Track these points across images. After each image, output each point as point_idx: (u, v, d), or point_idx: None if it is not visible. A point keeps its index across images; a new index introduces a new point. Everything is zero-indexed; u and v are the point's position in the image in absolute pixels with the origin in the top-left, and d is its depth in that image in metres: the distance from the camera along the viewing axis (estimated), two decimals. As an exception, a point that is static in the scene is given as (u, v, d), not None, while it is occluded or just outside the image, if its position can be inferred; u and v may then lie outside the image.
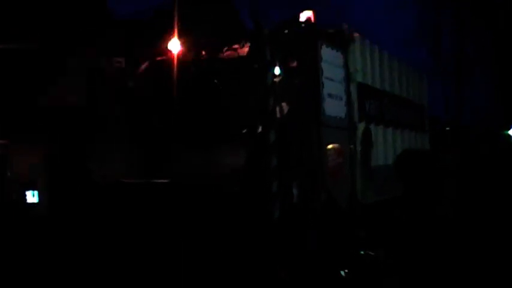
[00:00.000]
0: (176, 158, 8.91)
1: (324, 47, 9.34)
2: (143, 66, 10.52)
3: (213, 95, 9.23)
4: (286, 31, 9.11)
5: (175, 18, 10.28)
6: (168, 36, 10.05)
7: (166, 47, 9.97)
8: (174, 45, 9.72)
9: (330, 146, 9.03)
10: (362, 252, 8.75)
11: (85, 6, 12.91)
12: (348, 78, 9.88)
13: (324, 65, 9.24)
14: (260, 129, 8.44)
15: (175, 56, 9.56)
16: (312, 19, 9.05)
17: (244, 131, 8.58)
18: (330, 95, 9.32)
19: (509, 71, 28.21)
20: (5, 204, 13.72)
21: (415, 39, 27.99)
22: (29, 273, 8.34)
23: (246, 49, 9.64)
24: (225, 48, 9.74)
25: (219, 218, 7.95)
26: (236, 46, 9.70)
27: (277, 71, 8.65)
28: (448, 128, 19.11)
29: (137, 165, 9.76)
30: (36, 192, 14.62)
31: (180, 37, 9.94)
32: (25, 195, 14.60)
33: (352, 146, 9.65)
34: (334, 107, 9.42)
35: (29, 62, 10.90)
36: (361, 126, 10.16)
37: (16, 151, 13.89)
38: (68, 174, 11.73)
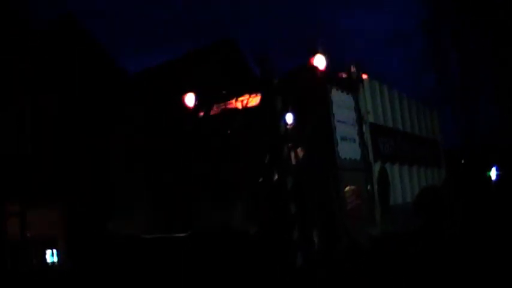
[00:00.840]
0: (196, 213, 8.97)
1: (334, 90, 9.45)
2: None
3: (227, 147, 9.32)
4: (296, 78, 9.24)
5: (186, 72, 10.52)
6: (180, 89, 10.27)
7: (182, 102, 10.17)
8: (189, 100, 9.91)
9: (347, 188, 9.04)
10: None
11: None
12: (360, 119, 9.93)
13: (335, 109, 9.32)
14: (276, 176, 8.48)
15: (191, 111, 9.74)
16: (324, 64, 9.15)
17: (260, 180, 8.63)
18: (343, 138, 9.37)
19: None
20: (27, 267, 13.86)
21: (422, 68, 28.09)
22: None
23: (257, 98, 9.80)
24: (235, 99, 9.91)
25: (240, 265, 7.92)
26: (246, 96, 9.87)
27: (289, 118, 8.73)
28: (463, 161, 19.01)
29: (156, 222, 9.83)
30: (55, 251, 14.75)
31: (191, 90, 10.15)
32: (45, 255, 14.72)
33: (369, 187, 9.64)
34: (348, 150, 9.46)
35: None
36: (376, 166, 10.17)
37: (34, 211, 14.13)
38: (89, 232, 11.84)
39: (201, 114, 9.97)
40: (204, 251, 7.99)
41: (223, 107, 10.02)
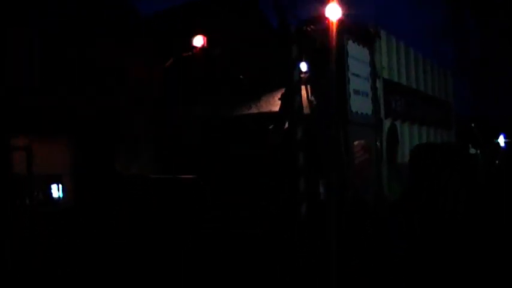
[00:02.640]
0: (202, 157, 8.96)
1: (350, 42, 9.28)
2: (168, 63, 10.57)
3: (238, 90, 9.23)
4: (312, 27, 9.06)
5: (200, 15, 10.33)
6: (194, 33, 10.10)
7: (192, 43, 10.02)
8: (198, 41, 9.75)
9: (356, 143, 8.98)
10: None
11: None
12: (374, 74, 9.79)
13: (350, 61, 9.18)
14: (287, 125, 8.41)
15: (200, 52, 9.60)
16: (338, 15, 8.97)
17: (270, 127, 8.57)
18: (356, 92, 9.25)
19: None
20: (32, 201, 13.96)
21: (440, 33, 27.75)
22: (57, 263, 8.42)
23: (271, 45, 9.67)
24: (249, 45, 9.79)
25: (244, 211, 7.95)
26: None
27: (303, 67, 8.61)
28: (473, 125, 18.90)
29: (161, 165, 9.83)
30: (61, 186, 14.85)
31: (205, 34, 9.99)
32: (51, 190, 14.84)
33: (378, 143, 9.57)
34: (360, 104, 9.35)
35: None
36: (387, 123, 10.09)
37: (41, 146, 14.14)
38: (95, 169, 11.88)
39: (214, 56, 9.83)
40: (207, 194, 8.01)
41: (238, 50, 9.89)
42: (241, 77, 9.20)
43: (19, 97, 13.73)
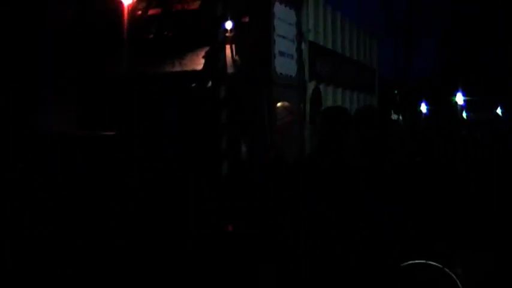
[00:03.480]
0: (124, 112, 8.76)
1: (277, 3, 9.25)
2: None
3: (164, 49, 9.06)
4: (239, -15, 8.97)
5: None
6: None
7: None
8: (125, -3, 9.47)
9: (279, 104, 9.02)
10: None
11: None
12: (300, 36, 9.83)
13: (276, 22, 9.16)
14: (210, 84, 8.36)
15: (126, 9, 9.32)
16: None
17: (193, 85, 8.49)
18: (281, 53, 9.28)
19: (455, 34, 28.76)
20: None
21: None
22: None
23: (197, 2, 9.51)
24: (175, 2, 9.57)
25: (165, 171, 7.90)
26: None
27: (229, 25, 8.52)
28: (396, 91, 19.45)
29: (84, 121, 9.56)
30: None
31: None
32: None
33: (301, 105, 9.68)
34: (285, 65, 9.39)
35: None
36: (311, 86, 10.20)
37: None
38: (8, 126, 11.40)
39: (139, 13, 9.57)
40: (130, 153, 7.89)
41: (163, 7, 9.66)
42: (165, 33, 9.02)
43: None
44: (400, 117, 16.17)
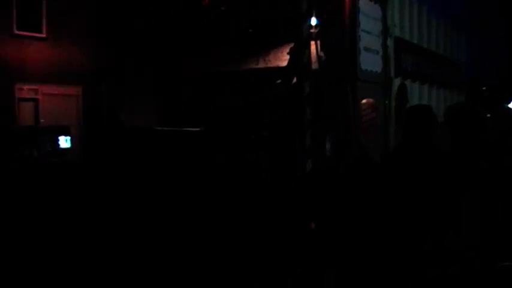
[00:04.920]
0: (208, 109, 8.91)
1: (362, -2, 9.11)
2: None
3: (247, 46, 9.11)
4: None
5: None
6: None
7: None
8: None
9: (364, 101, 8.88)
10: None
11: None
12: (385, 32, 9.64)
13: (361, 18, 9.02)
14: (295, 80, 8.32)
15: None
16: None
17: (278, 82, 8.48)
18: (366, 49, 9.13)
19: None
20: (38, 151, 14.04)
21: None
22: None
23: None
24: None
25: (250, 166, 7.94)
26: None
27: (313, 21, 8.46)
28: (484, 88, 18.71)
29: (166, 119, 9.78)
30: (69, 138, 14.92)
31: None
32: (58, 141, 14.92)
33: (387, 102, 9.49)
34: (370, 61, 9.24)
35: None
36: (396, 82, 9.98)
37: (48, 97, 14.18)
38: (103, 122, 11.86)
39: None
40: (214, 148, 7.99)
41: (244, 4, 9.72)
42: (250, 30, 9.06)
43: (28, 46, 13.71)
44: (489, 115, 15.46)
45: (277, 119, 8.20)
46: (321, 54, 8.45)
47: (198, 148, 8.10)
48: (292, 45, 8.64)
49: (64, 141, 15.05)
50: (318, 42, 8.50)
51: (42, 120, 14.41)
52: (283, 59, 8.59)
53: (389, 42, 9.77)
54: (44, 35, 13.96)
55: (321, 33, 8.53)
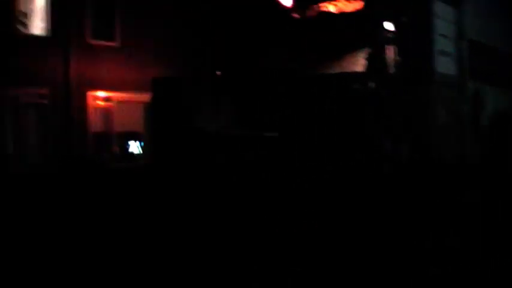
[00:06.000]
0: (283, 114, 8.95)
1: (437, 2, 9.06)
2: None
3: (322, 50, 9.15)
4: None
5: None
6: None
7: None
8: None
9: (440, 104, 8.84)
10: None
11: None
12: (461, 35, 9.54)
13: (436, 21, 8.98)
14: (371, 84, 8.35)
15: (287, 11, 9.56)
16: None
17: (355, 86, 8.50)
18: (441, 52, 9.08)
19: None
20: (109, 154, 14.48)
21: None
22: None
23: (354, 4, 9.51)
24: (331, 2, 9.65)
25: (329, 172, 7.96)
26: (343, 1, 9.58)
27: (389, 26, 8.47)
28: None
29: (240, 121, 9.86)
30: (139, 144, 15.32)
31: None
32: (128, 146, 15.34)
33: (462, 105, 9.39)
34: (445, 64, 9.18)
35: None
36: (471, 85, 9.85)
37: (121, 104, 14.59)
38: (174, 126, 12.05)
39: (297, 15, 9.76)
40: (293, 151, 8.06)
41: (319, 9, 9.77)
42: (323, 35, 9.12)
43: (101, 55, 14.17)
44: None
45: (353, 123, 8.22)
46: (397, 58, 8.44)
47: (275, 153, 8.19)
48: (368, 50, 8.65)
49: (135, 147, 15.50)
50: (394, 46, 8.50)
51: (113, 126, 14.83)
52: (359, 64, 8.60)
53: (464, 45, 9.66)
54: (117, 44, 14.38)
55: (397, 38, 8.52)
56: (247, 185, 8.12)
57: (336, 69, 8.96)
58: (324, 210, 7.43)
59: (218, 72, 10.81)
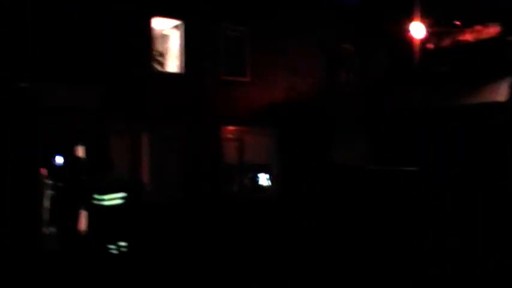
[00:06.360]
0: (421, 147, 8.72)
1: None
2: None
3: (460, 81, 8.84)
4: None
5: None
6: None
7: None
8: (417, 30, 9.51)
9: None
10: None
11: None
12: None
13: None
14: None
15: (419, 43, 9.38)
16: None
17: (497, 116, 8.10)
18: None
19: None
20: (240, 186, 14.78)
21: None
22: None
23: (491, 30, 9.12)
24: (467, 30, 9.32)
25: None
26: (479, 27, 9.23)
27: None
28: None
29: (373, 156, 9.73)
30: (268, 176, 15.52)
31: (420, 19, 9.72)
32: (257, 178, 15.58)
33: None
34: None
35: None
36: None
37: (251, 138, 14.90)
38: (303, 159, 12.13)
39: (431, 46, 9.53)
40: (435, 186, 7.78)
41: (454, 39, 9.48)
42: (460, 65, 8.81)
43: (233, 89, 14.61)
44: None
45: (498, 153, 7.80)
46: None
47: (414, 189, 7.95)
48: (510, 78, 8.23)
49: (264, 179, 15.71)
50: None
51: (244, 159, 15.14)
52: (501, 93, 8.20)
53: None
54: (247, 79, 14.75)
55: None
56: (388, 217, 7.95)
57: (476, 100, 8.61)
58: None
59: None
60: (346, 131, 10.73)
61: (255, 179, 15.71)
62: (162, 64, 14.40)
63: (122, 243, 6.20)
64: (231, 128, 14.88)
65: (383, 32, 10.90)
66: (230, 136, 14.92)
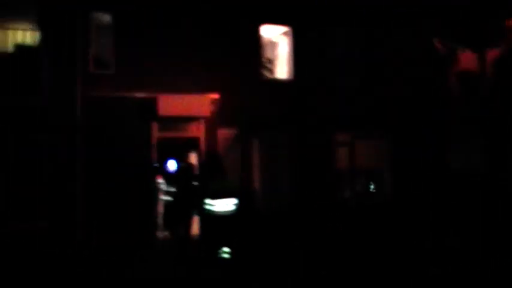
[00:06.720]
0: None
1: None
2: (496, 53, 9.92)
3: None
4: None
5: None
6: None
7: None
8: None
9: None
10: None
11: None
12: None
13: None
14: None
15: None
16: None
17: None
18: None
19: None
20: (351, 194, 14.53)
21: None
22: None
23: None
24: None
25: None
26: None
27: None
28: None
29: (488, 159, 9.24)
30: (377, 181, 15.13)
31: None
32: (369, 184, 15.24)
33: None
34: None
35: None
36: None
37: (362, 143, 14.62)
38: (416, 166, 11.70)
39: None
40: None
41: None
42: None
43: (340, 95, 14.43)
44: None
45: None
46: None
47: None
48: None
49: (377, 184, 15.34)
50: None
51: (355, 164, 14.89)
52: None
53: None
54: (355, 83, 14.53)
55: None
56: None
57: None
58: None
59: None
60: (461, 135, 10.24)
61: (367, 185, 15.39)
62: (271, 71, 14.49)
63: (226, 249, 6.25)
64: (342, 132, 14.67)
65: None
66: (341, 141, 14.72)
